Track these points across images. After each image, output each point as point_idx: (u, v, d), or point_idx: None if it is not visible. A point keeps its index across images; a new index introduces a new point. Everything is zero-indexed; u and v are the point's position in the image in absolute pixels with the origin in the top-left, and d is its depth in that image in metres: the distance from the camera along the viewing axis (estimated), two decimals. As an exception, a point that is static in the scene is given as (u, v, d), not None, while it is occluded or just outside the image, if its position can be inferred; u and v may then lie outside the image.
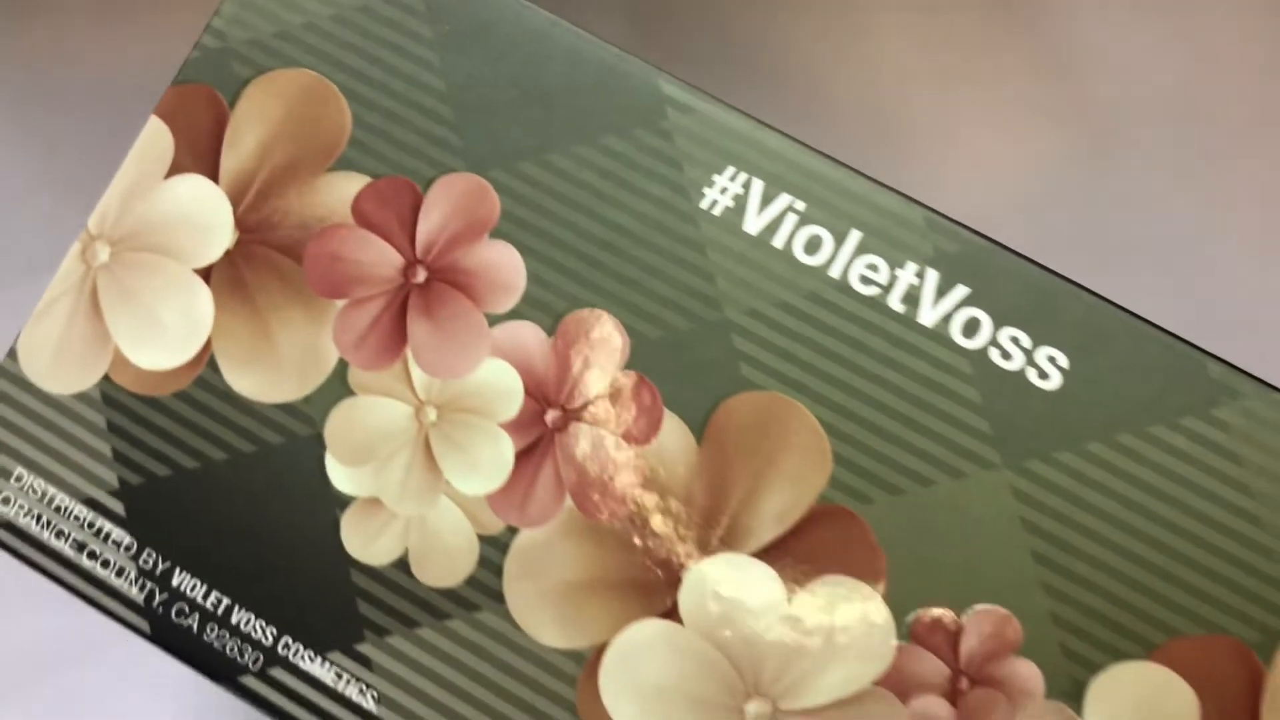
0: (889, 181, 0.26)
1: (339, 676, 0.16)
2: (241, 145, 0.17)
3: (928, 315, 0.16)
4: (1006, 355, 0.16)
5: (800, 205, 0.16)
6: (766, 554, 0.16)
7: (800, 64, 0.28)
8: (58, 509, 0.16)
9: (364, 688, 0.16)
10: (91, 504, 0.16)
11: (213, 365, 0.17)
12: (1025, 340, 0.16)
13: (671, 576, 0.16)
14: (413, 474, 0.16)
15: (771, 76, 0.28)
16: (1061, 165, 0.28)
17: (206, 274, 0.17)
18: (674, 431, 0.16)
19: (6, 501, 0.16)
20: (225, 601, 0.16)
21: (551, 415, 0.16)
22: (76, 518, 0.16)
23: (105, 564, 0.16)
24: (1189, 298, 0.27)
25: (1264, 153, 0.29)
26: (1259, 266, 0.28)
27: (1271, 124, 0.29)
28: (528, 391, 0.16)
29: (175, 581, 0.16)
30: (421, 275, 0.16)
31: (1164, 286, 0.27)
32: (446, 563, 0.16)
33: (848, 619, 0.16)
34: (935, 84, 0.28)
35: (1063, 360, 0.16)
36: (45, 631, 0.26)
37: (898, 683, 0.16)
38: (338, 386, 0.16)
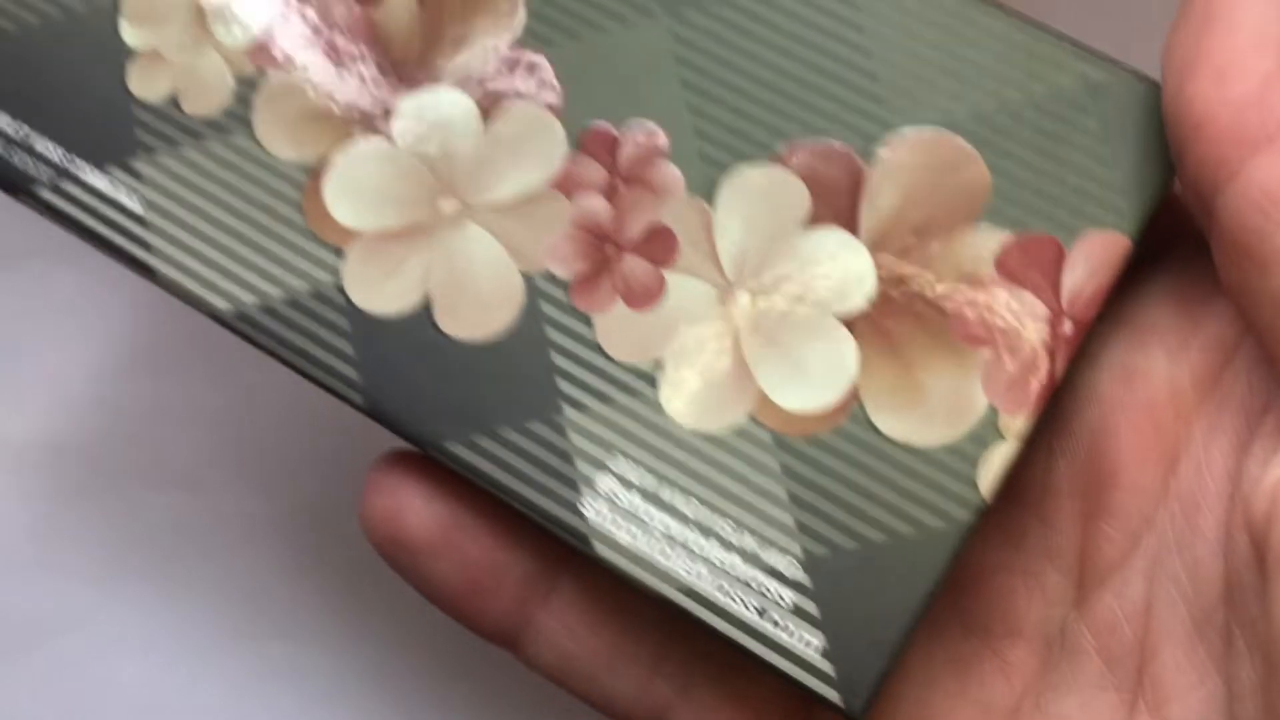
0: None
1: (114, 185, 0.19)
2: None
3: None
4: (672, -69, 0.19)
5: None
6: (465, 85, 0.19)
7: None
8: None
9: (131, 193, 0.19)
10: None
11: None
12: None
13: (390, 107, 0.19)
14: (188, 30, 0.20)
15: None
16: None
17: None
18: (401, -3, 0.19)
19: None
20: (25, 130, 0.20)
21: (302, -17, 0.20)
22: None
23: None
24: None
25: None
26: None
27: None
28: (284, -36, 0.20)
29: None
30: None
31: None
32: (206, 98, 0.19)
33: (527, 134, 0.19)
34: None
35: None
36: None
37: (566, 184, 0.19)
38: (133, -35, 0.20)
